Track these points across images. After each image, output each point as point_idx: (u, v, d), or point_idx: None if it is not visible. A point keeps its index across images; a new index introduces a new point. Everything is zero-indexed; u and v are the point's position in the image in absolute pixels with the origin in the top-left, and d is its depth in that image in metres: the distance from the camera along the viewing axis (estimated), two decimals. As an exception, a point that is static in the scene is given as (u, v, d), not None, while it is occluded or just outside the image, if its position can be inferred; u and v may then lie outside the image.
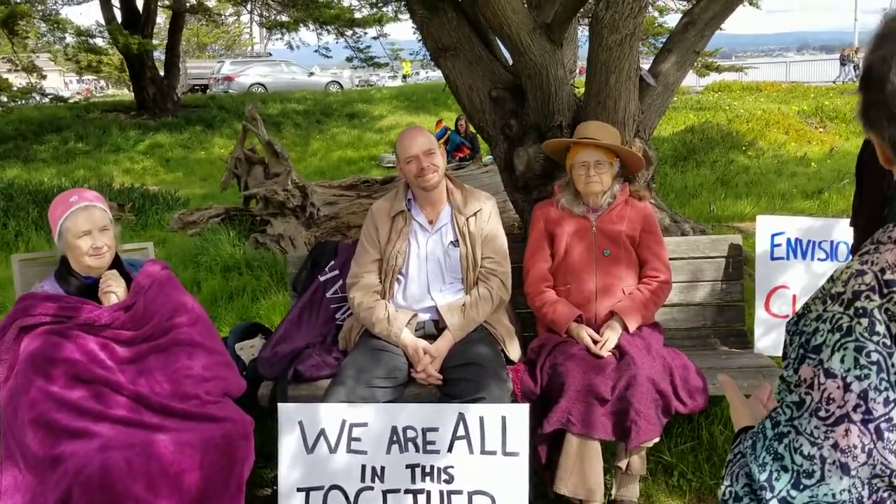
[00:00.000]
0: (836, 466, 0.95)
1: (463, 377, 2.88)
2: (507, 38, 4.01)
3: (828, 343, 0.97)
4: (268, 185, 6.61)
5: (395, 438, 2.68)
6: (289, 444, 2.70)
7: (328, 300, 3.42)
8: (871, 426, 0.94)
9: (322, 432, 2.70)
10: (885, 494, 0.98)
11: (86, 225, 2.76)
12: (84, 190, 2.96)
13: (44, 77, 18.02)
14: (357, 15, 16.00)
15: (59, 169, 13.60)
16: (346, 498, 2.66)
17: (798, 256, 3.34)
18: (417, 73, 36.62)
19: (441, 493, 2.65)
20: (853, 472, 0.95)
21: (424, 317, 3.14)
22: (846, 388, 0.94)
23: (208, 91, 27.45)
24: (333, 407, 2.72)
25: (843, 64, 30.58)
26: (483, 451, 2.66)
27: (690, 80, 21.96)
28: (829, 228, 3.36)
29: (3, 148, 15.18)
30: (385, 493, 2.66)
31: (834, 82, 27.06)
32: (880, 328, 0.95)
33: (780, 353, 3.33)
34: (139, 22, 17.86)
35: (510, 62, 4.43)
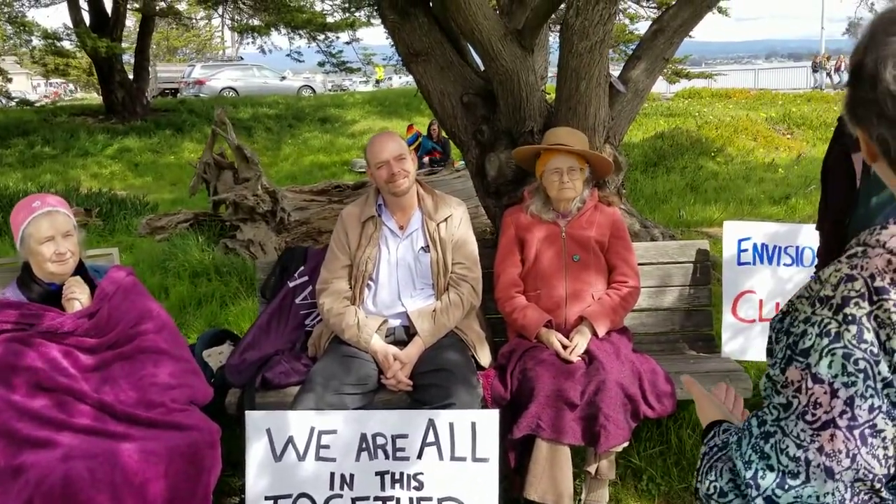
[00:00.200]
0: (821, 470, 0.97)
1: (433, 383, 2.88)
2: (478, 43, 4.02)
3: (816, 347, 0.98)
4: (237, 190, 6.56)
5: (364, 445, 2.66)
6: (256, 452, 2.67)
7: (297, 306, 3.40)
8: (856, 432, 0.95)
9: (290, 440, 2.68)
10: (867, 497, 0.99)
11: (49, 231, 2.72)
12: (47, 195, 2.91)
13: (10, 80, 17.72)
14: (329, 19, 15.93)
15: (24, 173, 13.37)
16: (315, 506, 2.64)
17: (764, 261, 3.39)
18: (390, 79, 36.58)
19: (411, 499, 2.64)
20: (837, 476, 0.97)
21: (395, 323, 3.12)
22: (833, 394, 0.96)
23: (179, 95, 27.17)
24: (302, 414, 2.70)
25: (815, 71, 31.17)
26: (453, 458, 2.65)
27: (661, 86, 22.21)
28: (794, 234, 3.40)
29: (-33, 152, 14.91)
30: (354, 500, 2.64)
31: (821, 88, 27.57)
32: (868, 336, 0.96)
33: (746, 358, 3.38)
34: (108, 25, 17.64)
35: (482, 68, 4.43)
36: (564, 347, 3.02)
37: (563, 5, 4.09)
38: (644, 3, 15.92)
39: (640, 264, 3.41)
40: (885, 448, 0.97)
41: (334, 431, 2.67)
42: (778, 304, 3.36)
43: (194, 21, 28.04)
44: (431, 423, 2.66)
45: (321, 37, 15.57)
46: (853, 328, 0.96)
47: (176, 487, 2.51)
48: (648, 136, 13.52)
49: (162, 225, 7.15)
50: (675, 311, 3.61)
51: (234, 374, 3.17)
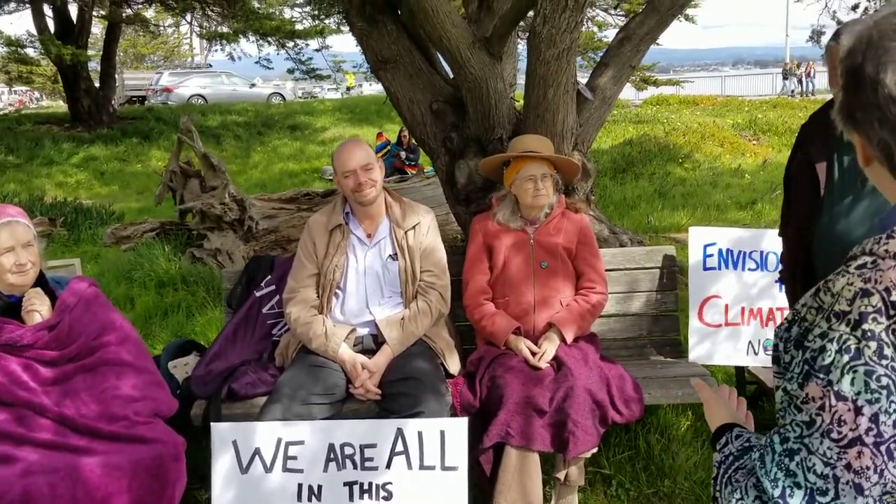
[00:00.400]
0: (850, 486, 0.97)
1: (401, 392, 2.86)
2: (446, 51, 4.03)
3: (836, 364, 0.98)
4: (204, 198, 6.48)
5: (332, 456, 2.63)
6: (222, 465, 2.63)
7: (264, 316, 3.36)
8: (883, 448, 0.95)
9: (257, 451, 2.64)
10: None
11: (8, 241, 2.66)
12: (6, 206, 2.85)
13: (-28, 88, 17.39)
14: (298, 27, 15.88)
15: (-13, 182, 13.11)
16: (283, 518, 2.60)
17: (729, 266, 3.42)
18: (360, 86, 36.52)
19: (380, 510, 2.61)
20: (867, 492, 0.97)
21: (363, 331, 3.10)
22: (857, 411, 0.96)
23: (146, 102, 26.89)
24: (268, 425, 2.67)
25: (785, 78, 31.73)
26: (422, 467, 2.63)
27: (629, 93, 22.48)
28: (758, 239, 3.44)
29: (-73, 161, 14.58)
30: (322, 511, 2.61)
31: (791, 94, 28.04)
32: (888, 351, 0.96)
33: (712, 362, 3.41)
34: (73, 32, 17.39)
35: (451, 75, 4.44)
36: (533, 354, 3.02)
37: (530, 13, 4.12)
38: (612, 11, 16.12)
39: (607, 270, 3.43)
40: None
41: (301, 442, 2.64)
42: (743, 309, 3.40)
43: (162, 28, 27.78)
44: (400, 432, 2.64)
45: (290, 44, 15.50)
46: (873, 344, 0.96)
47: (140, 502, 2.47)
48: (617, 142, 13.65)
49: (127, 234, 7.05)
50: (643, 316, 3.64)
51: (200, 386, 3.12)
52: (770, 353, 3.35)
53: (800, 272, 2.39)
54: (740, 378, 3.47)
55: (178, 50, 43.57)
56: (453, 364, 3.16)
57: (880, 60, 1.02)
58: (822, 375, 0.99)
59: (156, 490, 2.51)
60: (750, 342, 3.39)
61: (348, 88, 36.06)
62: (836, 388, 0.97)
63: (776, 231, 3.53)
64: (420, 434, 2.64)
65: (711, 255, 3.44)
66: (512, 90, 6.25)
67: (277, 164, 15.07)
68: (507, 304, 3.21)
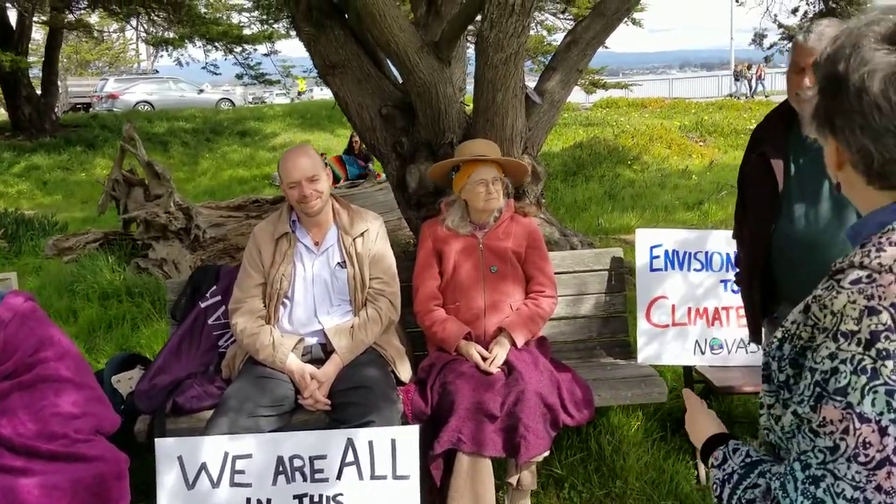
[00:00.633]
0: None
1: (351, 401, 2.83)
2: (394, 56, 4.01)
3: (854, 386, 0.97)
4: (148, 207, 6.34)
5: (281, 469, 2.58)
6: (168, 481, 2.56)
7: (210, 327, 3.29)
8: None
9: (203, 467, 2.58)
10: None
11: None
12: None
13: None
14: (246, 31, 15.68)
15: (-77, 195, 12.65)
16: (231, 534, 2.55)
17: (675, 267, 3.46)
18: (311, 90, 36.25)
19: (331, 522, 2.57)
20: None
21: (311, 341, 3.06)
22: (882, 431, 0.95)
23: (91, 110, 26.25)
24: (214, 440, 2.61)
25: (737, 79, 32.44)
26: (373, 477, 2.60)
27: (579, 96, 22.69)
28: (703, 240, 3.50)
29: None
30: (272, 526, 2.56)
31: (747, 96, 28.65)
32: None
33: (661, 363, 3.45)
34: (12, 38, 16.89)
35: (400, 79, 4.42)
36: (484, 359, 3.02)
37: (478, 17, 4.12)
38: (561, 16, 16.28)
39: (557, 273, 3.44)
40: None
41: (249, 456, 2.59)
42: (690, 309, 3.44)
43: (106, 34, 27.19)
44: (350, 443, 2.60)
45: (238, 49, 15.29)
46: (890, 363, 0.96)
47: (80, 523, 2.39)
48: (568, 145, 13.78)
49: (70, 245, 6.85)
50: (592, 318, 3.66)
51: (144, 400, 3.04)
52: (717, 352, 3.39)
53: (758, 274, 2.37)
54: (688, 377, 3.51)
55: (124, 55, 42.71)
56: (404, 371, 3.14)
57: (865, 69, 1.03)
58: (839, 398, 0.98)
59: (98, 510, 2.43)
60: (697, 342, 3.43)
61: (299, 93, 35.77)
62: (857, 411, 0.96)
63: (721, 232, 3.60)
64: (371, 443, 2.60)
65: (658, 257, 3.47)
66: (462, 94, 6.26)
67: (227, 171, 14.85)
68: (458, 309, 3.20)
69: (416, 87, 4.06)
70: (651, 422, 3.53)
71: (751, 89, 31.20)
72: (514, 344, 3.08)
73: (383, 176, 10.79)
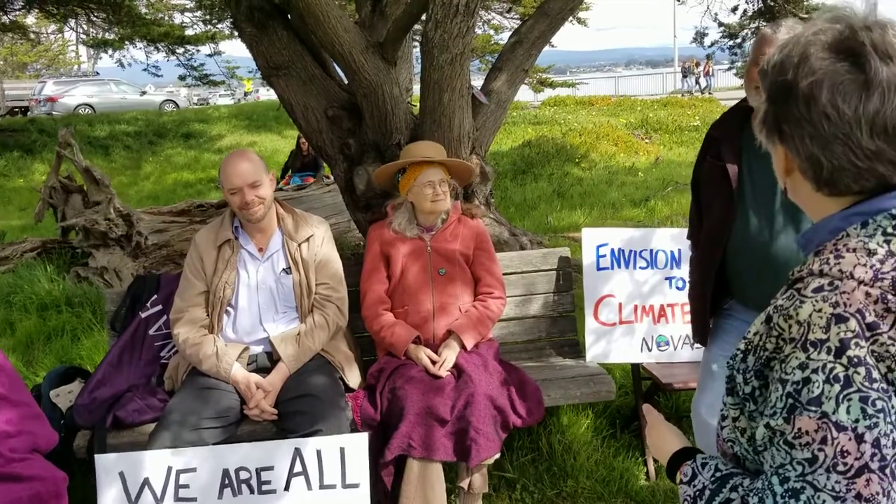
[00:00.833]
0: None
1: (298, 410, 2.78)
2: (339, 56, 3.96)
3: (828, 395, 0.96)
4: (87, 214, 6.15)
5: (227, 482, 2.53)
6: (109, 498, 2.49)
7: (151, 338, 3.20)
8: (888, 470, 0.95)
9: (146, 482, 2.51)
10: None
11: None
12: None
13: None
14: (189, 32, 15.38)
15: None
16: (176, 550, 2.48)
17: (621, 266, 3.49)
18: (258, 91, 35.78)
19: (279, 534, 2.53)
20: None
21: (256, 349, 3.00)
22: (859, 439, 0.95)
23: (29, 114, 25.44)
24: (157, 454, 2.53)
25: (684, 76, 32.99)
26: (322, 486, 2.56)
27: (528, 95, 22.86)
28: (647, 238, 3.53)
29: None
30: (219, 540, 2.50)
31: (681, 93, 29.14)
32: (876, 374, 0.96)
33: (609, 361, 3.47)
34: (-58, 39, 16.29)
35: (346, 80, 4.37)
36: (433, 363, 3.00)
37: (424, 17, 4.09)
38: (507, 15, 16.36)
39: (505, 274, 3.44)
40: None
41: (194, 470, 2.52)
42: (636, 307, 3.47)
43: (44, 35, 26.38)
44: (298, 452, 2.56)
45: (180, 50, 14.98)
46: (862, 370, 0.96)
47: (16, 546, 2.30)
48: (517, 144, 13.85)
49: (6, 255, 6.61)
50: (541, 318, 3.68)
51: (84, 415, 2.95)
52: (664, 349, 3.41)
53: (712, 276, 2.36)
54: (636, 375, 3.54)
55: (63, 57, 41.52)
56: (353, 377, 3.10)
57: (815, 77, 1.03)
58: (814, 408, 0.97)
59: (34, 531, 2.34)
60: (644, 339, 3.47)
61: (246, 94, 35.28)
62: (834, 420, 0.96)
63: (665, 230, 3.64)
64: (319, 453, 2.56)
65: (604, 256, 3.50)
66: (409, 95, 6.22)
67: (171, 175, 14.54)
68: (407, 313, 3.18)
69: (363, 89, 4.01)
70: (600, 419, 3.55)
71: (699, 85, 31.81)
72: (463, 347, 3.07)
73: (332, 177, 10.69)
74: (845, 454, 0.95)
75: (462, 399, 2.83)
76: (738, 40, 13.97)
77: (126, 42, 15.41)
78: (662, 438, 1.38)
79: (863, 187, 1.07)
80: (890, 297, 0.99)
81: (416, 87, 5.39)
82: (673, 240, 3.50)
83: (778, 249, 2.19)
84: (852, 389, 0.96)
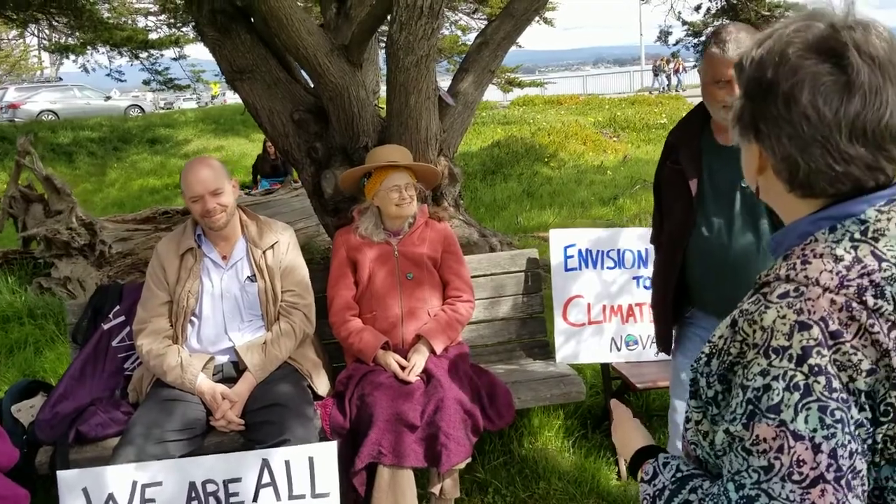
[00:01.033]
0: None
1: (266, 420, 2.74)
2: (304, 59, 3.92)
3: (787, 403, 0.95)
4: (49, 224, 6.03)
5: (193, 495, 2.48)
6: (72, 515, 2.43)
7: (114, 349, 3.14)
8: (843, 481, 0.94)
9: (110, 497, 2.46)
10: None
11: None
12: None
13: None
14: (153, 36, 15.15)
15: None
16: (142, 567, 2.43)
17: (589, 266, 3.50)
18: (224, 94, 35.44)
19: (248, 546, 2.49)
20: None
21: (222, 359, 2.95)
22: (816, 449, 0.93)
23: (-10, 121, 24.95)
24: (120, 468, 2.48)
25: (656, 74, 33.26)
26: (291, 496, 2.53)
27: (497, 95, 22.90)
28: (614, 238, 3.54)
29: None
30: (186, 555, 2.46)
31: (650, 90, 29.39)
32: (836, 383, 0.95)
33: (579, 361, 3.48)
34: None
35: (311, 84, 4.33)
36: (403, 368, 2.98)
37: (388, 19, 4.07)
38: (474, 16, 16.37)
39: (473, 276, 3.43)
40: (863, 484, 0.96)
41: (160, 483, 2.47)
42: (605, 307, 3.48)
43: (4, 41, 25.89)
44: (266, 463, 2.52)
45: (144, 54, 14.75)
46: (822, 379, 0.94)
47: (-25, 568, 2.24)
48: (486, 144, 13.85)
49: (-34, 266, 6.46)
50: (511, 320, 3.67)
51: (45, 430, 2.89)
52: (633, 348, 3.42)
53: (673, 280, 2.35)
54: (606, 374, 3.56)
55: (25, 63, 40.75)
56: (321, 385, 3.06)
57: (796, 77, 1.02)
58: (772, 416, 0.96)
59: (-6, 553, 2.28)
60: (613, 339, 3.48)
61: (213, 97, 34.94)
62: (791, 428, 0.94)
63: (632, 229, 3.65)
64: (287, 463, 2.53)
65: (572, 256, 3.50)
66: (375, 97, 6.19)
67: (137, 181, 14.32)
68: (375, 318, 3.15)
69: (328, 92, 3.98)
70: (571, 420, 3.56)
71: (669, 83, 32.12)
72: (432, 351, 3.06)
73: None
74: (801, 463, 0.94)
75: (432, 404, 2.81)
76: (703, 38, 14.11)
77: (88, 47, 15.14)
78: (627, 436, 1.37)
79: (838, 190, 1.05)
80: (855, 305, 0.97)
81: (383, 89, 5.37)
82: (640, 239, 3.51)
83: (737, 252, 2.19)
84: (811, 398, 0.94)
